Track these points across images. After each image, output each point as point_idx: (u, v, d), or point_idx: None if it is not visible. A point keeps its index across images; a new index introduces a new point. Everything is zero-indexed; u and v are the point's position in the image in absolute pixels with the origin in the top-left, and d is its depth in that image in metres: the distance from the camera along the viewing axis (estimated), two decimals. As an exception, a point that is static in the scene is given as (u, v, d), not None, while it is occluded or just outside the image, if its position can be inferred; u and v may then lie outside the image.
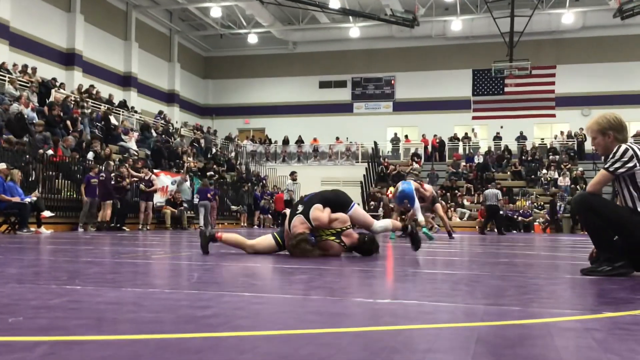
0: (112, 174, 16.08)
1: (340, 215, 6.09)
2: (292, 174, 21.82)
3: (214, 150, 29.50)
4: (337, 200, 6.26)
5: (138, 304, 2.70)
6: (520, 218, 24.56)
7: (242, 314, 2.50)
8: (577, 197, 4.41)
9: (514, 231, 23.91)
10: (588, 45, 33.04)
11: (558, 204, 25.95)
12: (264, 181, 29.57)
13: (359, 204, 6.74)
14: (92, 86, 24.68)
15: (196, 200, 20.99)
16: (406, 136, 33.78)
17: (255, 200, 25.80)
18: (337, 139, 33.47)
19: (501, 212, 20.38)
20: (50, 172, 15.59)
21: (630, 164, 4.13)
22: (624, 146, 4.18)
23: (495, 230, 24.77)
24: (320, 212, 5.97)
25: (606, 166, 4.23)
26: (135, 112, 27.40)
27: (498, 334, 2.13)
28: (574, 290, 3.68)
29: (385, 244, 8.98)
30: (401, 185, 12.83)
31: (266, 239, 6.33)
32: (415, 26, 29.41)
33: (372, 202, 25.35)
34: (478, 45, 33.77)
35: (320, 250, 5.97)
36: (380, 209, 23.13)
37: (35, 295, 2.95)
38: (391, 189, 13.97)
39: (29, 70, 20.90)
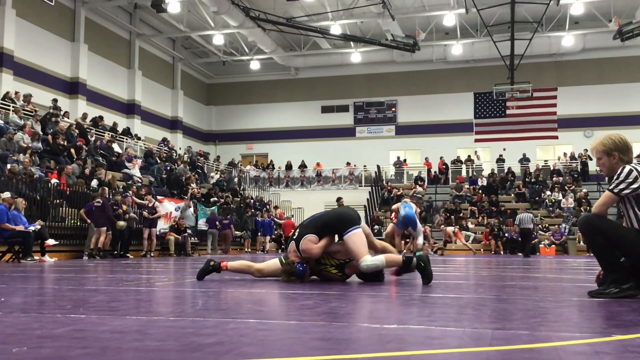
0: (110, 202, 16.00)
1: (343, 247, 5.90)
2: (339, 199, 22.05)
3: (210, 173, 29.41)
4: (335, 225, 5.86)
5: (142, 332, 2.69)
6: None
7: (248, 340, 2.48)
8: (583, 218, 4.39)
9: (520, 254, 23.75)
10: (589, 67, 33.21)
11: (562, 225, 25.83)
12: (267, 206, 29.54)
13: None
14: (100, 117, 24.82)
15: (205, 228, 22.01)
16: (404, 160, 33.79)
17: (257, 225, 25.65)
18: (348, 163, 33.34)
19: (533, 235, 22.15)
20: (55, 200, 15.60)
21: (635, 185, 4.12)
22: (628, 167, 4.17)
23: (501, 252, 24.77)
24: (310, 244, 5.75)
25: (611, 187, 4.22)
26: (139, 139, 27.53)
27: (507, 359, 2.10)
28: (582, 313, 3.64)
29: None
30: (403, 210, 12.82)
31: (273, 263, 6.20)
32: (416, 51, 29.63)
33: (376, 226, 25.28)
34: (479, 69, 33.98)
35: (309, 278, 5.90)
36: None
37: (39, 324, 2.93)
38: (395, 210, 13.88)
39: (31, 99, 20.99)
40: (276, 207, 29.74)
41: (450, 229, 24.66)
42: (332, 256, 5.94)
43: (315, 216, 6.18)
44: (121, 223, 15.54)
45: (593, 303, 4.00)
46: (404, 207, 13.12)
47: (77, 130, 20.84)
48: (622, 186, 4.16)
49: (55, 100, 21.79)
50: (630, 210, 4.21)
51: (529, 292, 5.11)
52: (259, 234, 25.50)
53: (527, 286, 5.89)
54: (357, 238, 5.68)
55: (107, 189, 16.19)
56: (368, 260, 5.59)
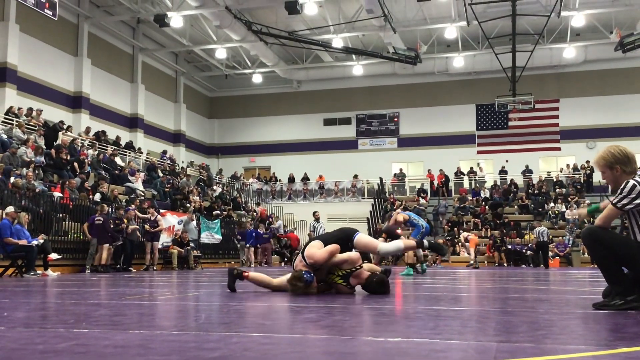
0: (110, 218, 16.00)
1: (350, 255, 6.00)
2: (314, 213, 22.16)
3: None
4: (338, 236, 6.19)
5: (145, 347, 2.68)
6: (529, 252, 24.33)
7: (251, 355, 2.47)
8: (586, 230, 4.39)
9: (523, 265, 23.69)
10: (591, 79, 33.24)
11: (566, 237, 25.75)
12: (270, 219, 29.49)
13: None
14: (103, 131, 24.90)
15: (207, 241, 22.36)
16: (399, 173, 33.65)
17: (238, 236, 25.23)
18: (356, 176, 33.08)
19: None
20: (58, 214, 15.61)
21: (638, 200, 4.13)
22: (631, 182, 4.19)
23: (505, 264, 24.78)
24: (314, 250, 5.93)
25: (614, 202, 4.24)
26: (140, 151, 27.56)
27: (512, 372, 2.09)
28: (587, 325, 3.62)
29: (394, 280, 8.88)
30: (421, 221, 12.79)
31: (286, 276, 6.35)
32: (418, 63, 29.71)
33: (380, 239, 25.19)
34: (481, 81, 34.04)
35: (316, 289, 6.00)
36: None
37: (42, 339, 2.93)
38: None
39: (34, 114, 21.07)
40: (258, 204, 29.69)
41: (464, 234, 24.28)
42: (339, 267, 6.02)
43: (323, 233, 6.53)
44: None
45: (598, 315, 3.98)
46: (419, 218, 13.02)
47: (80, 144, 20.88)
48: (625, 201, 4.18)
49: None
50: (634, 223, 4.22)
51: (533, 305, 5.09)
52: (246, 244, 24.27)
53: (532, 298, 5.87)
54: (365, 238, 6.27)
55: (105, 206, 16.15)
56: (385, 245, 6.05)
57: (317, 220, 24.18)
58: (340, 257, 5.97)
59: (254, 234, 23.54)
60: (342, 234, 6.22)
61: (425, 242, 5.86)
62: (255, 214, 28.80)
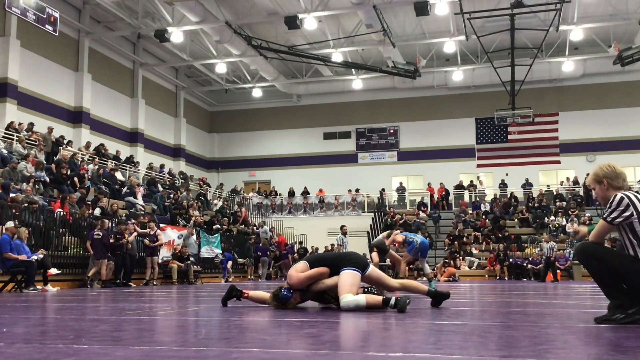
0: (111, 233, 15.96)
1: (334, 281, 5.91)
2: (342, 227, 22.15)
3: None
4: (333, 263, 5.95)
5: (146, 363, 2.66)
6: (529, 266, 24.26)
7: (252, 370, 2.45)
8: (578, 246, 4.45)
9: (524, 279, 23.60)
10: (590, 92, 33.35)
11: (567, 250, 25.67)
12: (271, 233, 29.43)
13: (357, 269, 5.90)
14: (102, 145, 24.94)
15: (207, 255, 22.24)
16: (383, 189, 33.55)
17: (257, 252, 25.34)
18: (357, 190, 33.06)
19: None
20: (59, 229, 15.58)
21: (627, 213, 4.15)
22: (619, 195, 4.20)
23: (506, 277, 24.73)
24: (293, 272, 5.92)
25: (604, 216, 4.27)
26: (139, 165, 27.54)
27: (514, 387, 2.08)
28: (589, 340, 3.61)
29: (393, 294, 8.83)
30: (417, 238, 12.76)
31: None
32: (417, 77, 29.81)
33: (372, 253, 25.11)
34: (480, 95, 34.14)
35: (294, 305, 6.03)
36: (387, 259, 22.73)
37: (42, 355, 2.91)
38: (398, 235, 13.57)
39: (46, 132, 21.09)
40: (240, 205, 29.71)
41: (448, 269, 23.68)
42: (331, 289, 6.00)
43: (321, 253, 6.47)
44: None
45: (600, 329, 3.97)
46: (413, 236, 13.01)
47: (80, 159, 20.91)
48: (614, 215, 4.20)
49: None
50: (625, 237, 4.24)
51: (535, 319, 5.07)
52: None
53: (533, 312, 5.84)
54: (347, 277, 5.74)
55: (107, 221, 16.13)
56: (348, 297, 5.63)
57: (344, 234, 24.17)
58: (327, 283, 5.90)
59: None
60: (337, 260, 5.96)
61: (392, 300, 5.65)
62: (254, 227, 28.76)
